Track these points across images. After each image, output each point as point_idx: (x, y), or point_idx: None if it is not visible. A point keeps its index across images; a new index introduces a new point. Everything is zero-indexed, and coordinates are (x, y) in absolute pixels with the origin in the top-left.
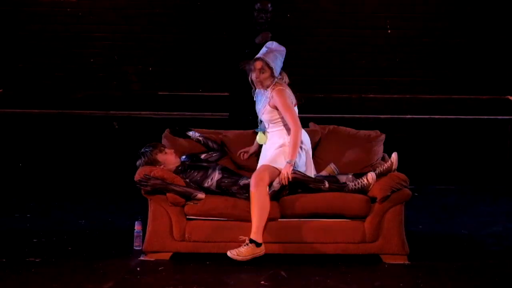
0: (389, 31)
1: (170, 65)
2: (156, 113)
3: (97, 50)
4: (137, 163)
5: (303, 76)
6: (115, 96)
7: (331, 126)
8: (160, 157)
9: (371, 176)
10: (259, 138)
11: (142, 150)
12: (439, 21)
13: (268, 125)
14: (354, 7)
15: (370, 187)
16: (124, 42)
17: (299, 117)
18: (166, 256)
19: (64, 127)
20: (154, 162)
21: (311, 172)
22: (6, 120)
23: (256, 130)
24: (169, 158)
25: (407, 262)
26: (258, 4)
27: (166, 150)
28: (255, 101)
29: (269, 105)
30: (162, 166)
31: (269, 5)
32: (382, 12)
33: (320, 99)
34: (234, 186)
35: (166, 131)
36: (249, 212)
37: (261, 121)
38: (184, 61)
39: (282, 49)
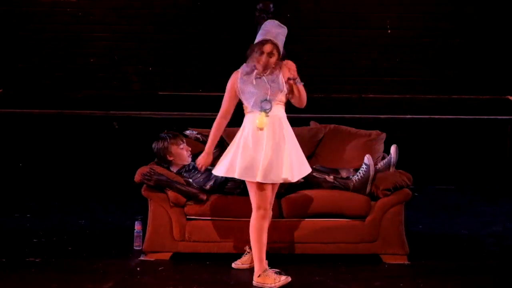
0: (389, 31)
1: (170, 65)
2: (156, 113)
3: (97, 50)
4: (153, 145)
5: (303, 76)
6: (115, 96)
7: (332, 125)
8: (174, 149)
9: (366, 158)
10: (261, 121)
11: (162, 134)
12: (439, 21)
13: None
14: (354, 7)
15: (371, 168)
16: (124, 42)
17: (301, 117)
18: (166, 256)
19: (64, 127)
20: (166, 152)
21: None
22: (6, 120)
23: (261, 110)
24: (182, 154)
25: (407, 262)
26: (260, 5)
27: (183, 145)
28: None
29: (284, 80)
30: (172, 158)
31: (271, 6)
32: (382, 12)
33: (320, 99)
34: (238, 189)
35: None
36: (248, 209)
37: (262, 101)
38: (184, 61)
39: (285, 30)
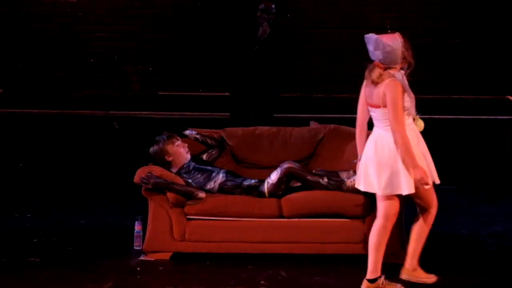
0: (389, 31)
1: (170, 65)
2: (156, 113)
3: (97, 50)
4: (150, 149)
5: (303, 76)
6: (115, 96)
7: (332, 125)
8: (170, 148)
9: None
10: (422, 125)
11: (157, 137)
12: (439, 21)
13: None
14: (354, 7)
15: None
16: (124, 42)
17: (301, 117)
18: (166, 256)
19: (64, 127)
20: (164, 153)
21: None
22: (6, 120)
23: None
24: (179, 152)
25: None
26: (262, 5)
27: (178, 143)
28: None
29: None
30: (171, 158)
31: (273, 6)
32: (382, 12)
33: (320, 99)
34: (238, 189)
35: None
36: (247, 209)
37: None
38: (184, 61)
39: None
